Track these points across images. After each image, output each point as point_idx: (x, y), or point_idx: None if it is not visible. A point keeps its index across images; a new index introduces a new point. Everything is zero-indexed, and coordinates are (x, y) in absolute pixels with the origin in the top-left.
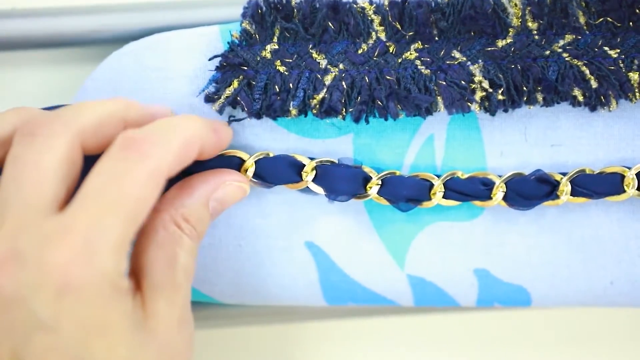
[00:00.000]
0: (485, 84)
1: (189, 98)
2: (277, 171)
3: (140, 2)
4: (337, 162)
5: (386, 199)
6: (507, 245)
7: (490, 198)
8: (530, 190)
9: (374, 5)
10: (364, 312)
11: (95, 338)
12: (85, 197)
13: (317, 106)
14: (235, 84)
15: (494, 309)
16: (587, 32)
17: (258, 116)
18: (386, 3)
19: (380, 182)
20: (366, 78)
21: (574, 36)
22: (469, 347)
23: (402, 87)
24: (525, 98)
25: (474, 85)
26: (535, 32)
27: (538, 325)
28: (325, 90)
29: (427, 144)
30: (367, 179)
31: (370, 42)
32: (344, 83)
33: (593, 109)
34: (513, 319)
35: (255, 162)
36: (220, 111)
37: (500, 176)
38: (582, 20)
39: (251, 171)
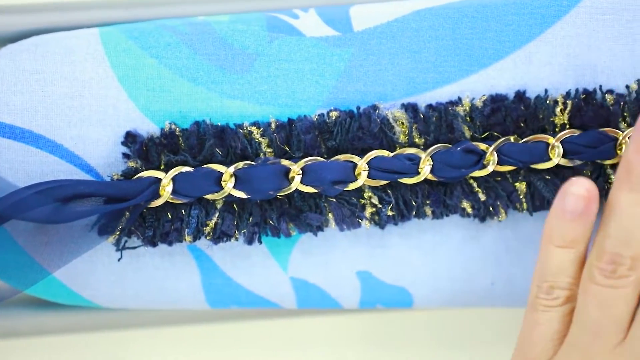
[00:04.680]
0: (375, 200)
1: (68, 101)
2: (195, 184)
3: (18, 3)
4: (254, 163)
5: (312, 187)
6: (389, 247)
7: (419, 173)
8: (458, 161)
9: (261, 128)
10: (247, 315)
11: None
12: None
13: (211, 232)
14: (127, 214)
15: (377, 310)
16: None
17: (153, 244)
18: (273, 126)
19: (301, 172)
20: (257, 199)
21: None
22: (351, 348)
23: (293, 206)
24: (414, 212)
25: (363, 201)
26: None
27: (419, 326)
28: (217, 214)
29: None
30: (288, 170)
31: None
32: (235, 205)
33: (483, 219)
34: (396, 320)
35: (172, 178)
36: (118, 243)
37: (424, 150)
38: (467, 134)
39: (169, 188)
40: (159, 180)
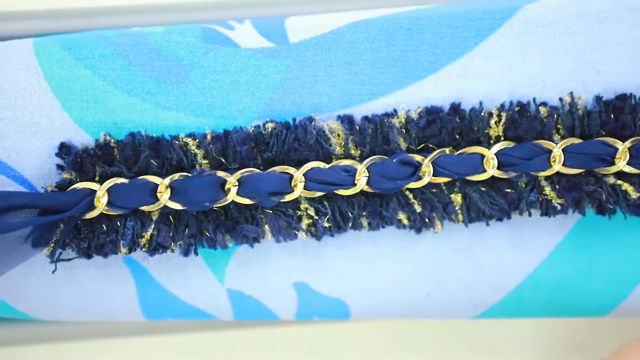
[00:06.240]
0: (311, 211)
1: (1, 112)
2: (131, 196)
3: None
4: (190, 174)
5: (248, 198)
6: (326, 258)
7: (355, 184)
8: (393, 173)
9: (197, 140)
10: (184, 328)
11: None
12: None
13: (146, 244)
14: (61, 225)
15: (314, 322)
16: None
17: (88, 256)
18: (209, 138)
19: (237, 183)
20: (193, 210)
21: None
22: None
23: (230, 217)
24: (350, 224)
25: (300, 213)
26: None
27: (356, 335)
28: (153, 226)
29: None
30: (224, 182)
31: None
32: (171, 217)
33: (419, 231)
34: (331, 331)
35: (107, 190)
36: (52, 255)
37: (360, 162)
38: (403, 146)
39: (104, 200)
40: (94, 191)
